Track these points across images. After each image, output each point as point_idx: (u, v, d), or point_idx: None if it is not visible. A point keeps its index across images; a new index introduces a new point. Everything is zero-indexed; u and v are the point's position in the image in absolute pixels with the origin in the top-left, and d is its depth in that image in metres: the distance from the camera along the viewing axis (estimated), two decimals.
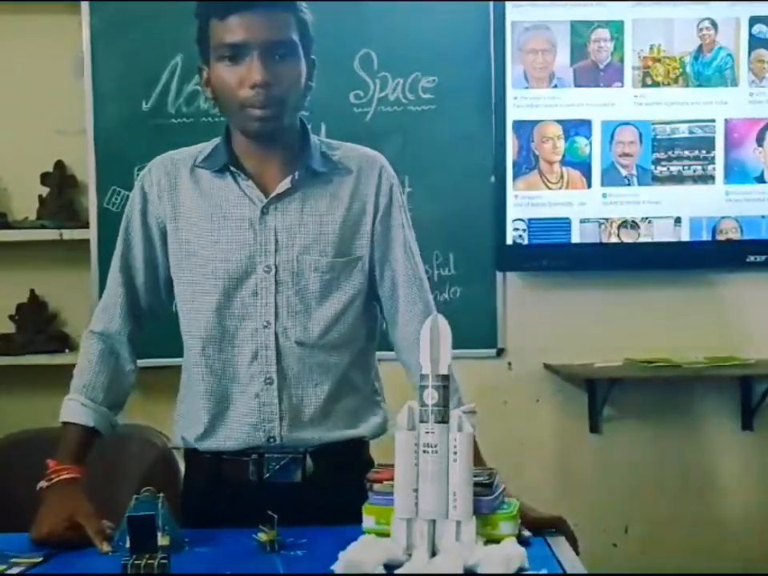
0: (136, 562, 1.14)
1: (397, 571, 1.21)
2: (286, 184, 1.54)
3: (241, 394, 1.55)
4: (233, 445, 1.55)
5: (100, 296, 2.80)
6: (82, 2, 2.86)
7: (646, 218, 3.00)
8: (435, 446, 1.25)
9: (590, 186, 3.00)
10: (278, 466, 1.55)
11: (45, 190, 2.98)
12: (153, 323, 1.68)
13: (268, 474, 1.55)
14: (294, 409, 1.55)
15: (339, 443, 1.57)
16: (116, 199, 2.88)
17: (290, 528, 1.37)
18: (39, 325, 2.99)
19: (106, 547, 1.35)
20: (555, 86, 2.98)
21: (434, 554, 1.26)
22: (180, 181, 1.58)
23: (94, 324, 1.63)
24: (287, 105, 1.49)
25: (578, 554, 1.37)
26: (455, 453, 1.25)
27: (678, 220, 3.01)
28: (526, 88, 2.97)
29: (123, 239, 1.62)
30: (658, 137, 2.99)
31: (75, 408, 1.55)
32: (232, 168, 1.55)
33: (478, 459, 1.42)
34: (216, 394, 1.56)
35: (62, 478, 1.47)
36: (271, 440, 1.54)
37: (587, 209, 3.00)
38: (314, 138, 1.60)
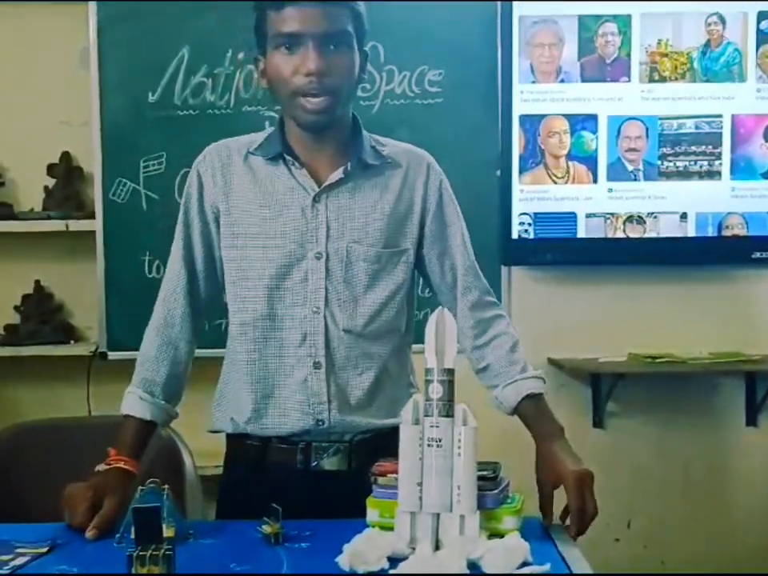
0: (141, 553, 1.15)
1: (400, 565, 1.21)
2: (338, 174, 1.55)
3: (289, 378, 1.56)
4: (283, 427, 1.56)
5: (106, 287, 2.89)
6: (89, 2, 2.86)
7: (652, 213, 3.00)
8: (440, 440, 1.25)
9: (595, 180, 2.99)
10: (325, 455, 1.56)
11: (51, 181, 2.98)
12: (210, 317, 1.68)
13: (315, 463, 1.56)
14: (341, 393, 1.56)
15: (383, 432, 1.57)
16: (122, 190, 2.88)
17: (296, 521, 1.37)
18: (44, 316, 2.99)
19: (91, 534, 1.38)
20: (562, 81, 2.97)
21: (437, 547, 1.26)
22: (233, 165, 1.59)
23: (156, 315, 1.62)
24: (340, 95, 1.51)
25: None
26: (460, 447, 1.25)
27: (683, 215, 3.00)
28: (533, 82, 2.96)
29: (183, 226, 1.62)
30: (665, 132, 2.99)
31: (134, 401, 1.57)
32: (286, 156, 1.56)
33: (549, 416, 1.56)
34: (264, 379, 1.57)
35: (119, 466, 1.49)
36: (320, 423, 1.55)
37: (593, 203, 2.99)
38: (365, 132, 1.61)
